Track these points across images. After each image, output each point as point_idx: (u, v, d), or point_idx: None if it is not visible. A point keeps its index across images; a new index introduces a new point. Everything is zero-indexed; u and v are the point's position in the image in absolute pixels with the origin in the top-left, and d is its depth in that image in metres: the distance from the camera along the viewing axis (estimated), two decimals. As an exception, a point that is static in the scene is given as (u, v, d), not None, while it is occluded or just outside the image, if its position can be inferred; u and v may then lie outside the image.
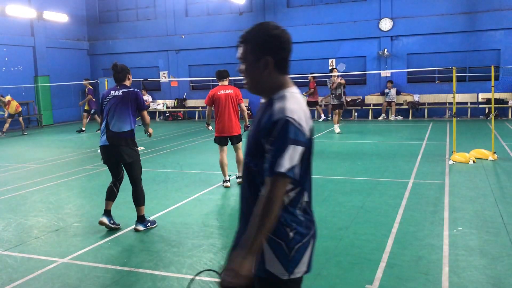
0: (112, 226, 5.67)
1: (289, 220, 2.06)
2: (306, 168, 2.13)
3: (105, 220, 5.62)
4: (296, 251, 2.07)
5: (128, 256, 4.82)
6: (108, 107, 5.53)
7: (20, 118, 17.40)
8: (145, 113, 5.69)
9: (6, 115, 17.22)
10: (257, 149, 2.08)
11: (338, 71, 15.11)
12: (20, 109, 17.36)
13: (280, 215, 2.04)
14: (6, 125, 17.11)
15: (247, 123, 7.99)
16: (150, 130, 5.97)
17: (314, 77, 18.56)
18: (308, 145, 2.05)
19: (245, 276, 1.95)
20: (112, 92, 5.58)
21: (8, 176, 9.36)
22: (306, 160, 2.10)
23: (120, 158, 5.53)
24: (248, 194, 2.16)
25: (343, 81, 14.44)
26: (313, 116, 19.52)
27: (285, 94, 2.09)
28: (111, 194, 5.70)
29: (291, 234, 2.06)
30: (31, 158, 11.57)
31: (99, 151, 5.96)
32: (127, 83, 5.68)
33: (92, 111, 16.84)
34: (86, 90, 17.18)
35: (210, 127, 8.14)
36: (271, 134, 1.98)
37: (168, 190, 7.67)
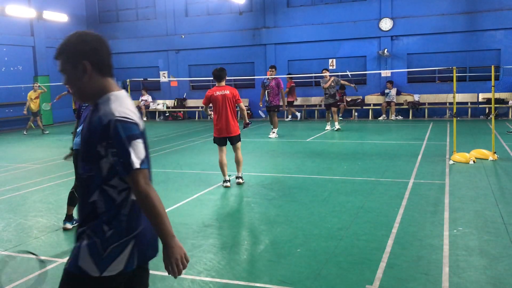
0: (76, 225, 5.78)
1: (109, 218, 2.12)
2: None
3: (68, 226, 5.77)
4: (111, 251, 2.11)
5: (128, 256, 4.81)
6: (85, 113, 5.62)
7: (38, 118, 17.36)
8: None
9: (25, 111, 17.15)
10: (89, 155, 2.14)
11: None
12: (39, 108, 17.38)
13: (104, 212, 2.12)
14: (30, 123, 17.16)
15: (247, 121, 8.04)
16: None
17: (291, 78, 19.05)
18: (143, 137, 2.16)
19: (185, 253, 2.17)
20: None
21: (8, 176, 9.36)
22: None
23: None
24: (81, 198, 2.23)
25: (336, 81, 14.79)
26: (285, 116, 19.63)
27: (110, 97, 2.17)
28: (73, 200, 5.80)
29: (108, 233, 2.11)
30: (31, 158, 11.57)
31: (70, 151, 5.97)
32: None
33: None
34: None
35: (212, 114, 8.06)
36: (105, 138, 2.07)
37: (168, 190, 7.66)
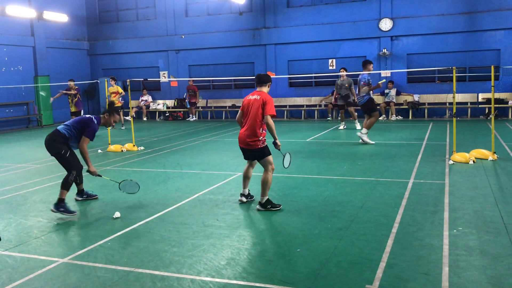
0: (92, 198, 7.08)
1: None
2: None
3: (78, 198, 7.10)
4: None
5: (128, 256, 4.82)
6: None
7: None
8: (85, 140, 7.08)
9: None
10: None
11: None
12: (119, 103, 17.14)
13: None
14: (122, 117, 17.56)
15: (275, 141, 6.30)
16: (91, 169, 7.08)
17: (193, 81, 20.51)
18: None
19: None
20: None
21: (8, 176, 9.36)
22: None
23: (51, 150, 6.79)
24: None
25: (350, 84, 15.61)
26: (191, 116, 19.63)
27: None
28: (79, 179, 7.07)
29: None
30: (31, 158, 11.57)
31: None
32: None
33: (82, 112, 16.53)
34: (75, 89, 16.66)
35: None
36: None
37: (168, 190, 7.67)
